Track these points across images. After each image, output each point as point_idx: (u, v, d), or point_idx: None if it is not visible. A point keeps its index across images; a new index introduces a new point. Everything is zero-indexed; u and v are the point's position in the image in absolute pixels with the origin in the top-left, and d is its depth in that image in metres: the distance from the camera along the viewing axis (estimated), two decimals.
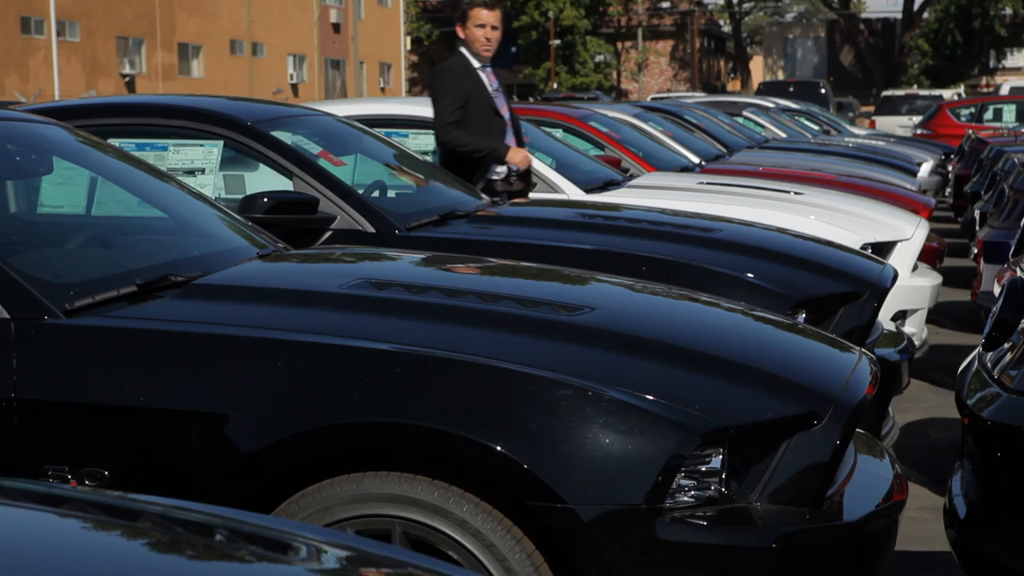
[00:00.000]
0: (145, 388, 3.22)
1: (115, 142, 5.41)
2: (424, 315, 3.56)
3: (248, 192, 5.76)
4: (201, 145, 5.77)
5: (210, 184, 5.77)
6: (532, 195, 7.37)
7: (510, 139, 7.09)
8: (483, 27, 7.00)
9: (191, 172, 5.75)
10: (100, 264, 4.04)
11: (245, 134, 5.66)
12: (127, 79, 42.33)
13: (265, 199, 5.16)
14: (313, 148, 6.00)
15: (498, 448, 3.01)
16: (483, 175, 6.98)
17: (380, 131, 7.20)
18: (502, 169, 6.99)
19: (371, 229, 5.45)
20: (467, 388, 3.11)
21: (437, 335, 3.38)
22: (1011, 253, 4.33)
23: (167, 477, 3.16)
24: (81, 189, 4.75)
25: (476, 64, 7.10)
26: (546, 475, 2.99)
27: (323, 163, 5.80)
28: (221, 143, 5.75)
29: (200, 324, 3.40)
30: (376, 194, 6.22)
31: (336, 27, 54.31)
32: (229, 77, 46.87)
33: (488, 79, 7.09)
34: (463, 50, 7.08)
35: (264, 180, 5.91)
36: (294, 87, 51.28)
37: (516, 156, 7.00)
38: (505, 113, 7.10)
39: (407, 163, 6.57)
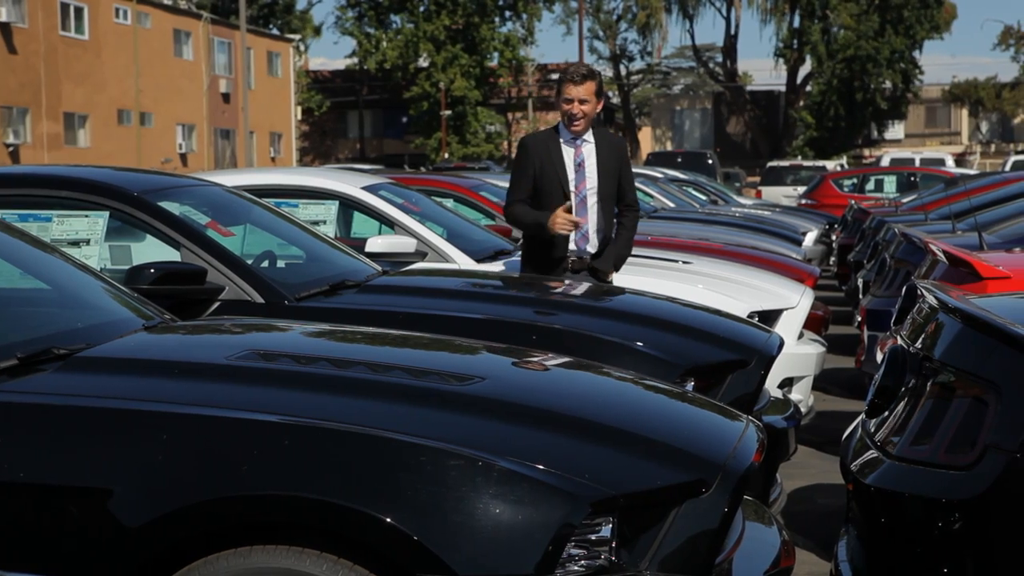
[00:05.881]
0: (26, 463, 3.16)
1: None
2: (313, 386, 3.54)
3: (134, 263, 5.69)
4: (86, 216, 5.70)
5: (95, 255, 5.70)
6: (422, 265, 7.37)
7: (583, 215, 6.80)
8: (570, 102, 6.74)
9: (76, 243, 5.68)
10: None
11: (131, 204, 5.61)
12: (11, 149, 41.67)
13: (152, 270, 5.10)
14: (201, 218, 5.95)
15: (387, 520, 2.99)
16: (561, 253, 6.79)
17: (270, 201, 7.16)
18: (573, 247, 6.82)
19: (260, 300, 5.41)
20: (356, 459, 3.09)
21: (326, 406, 3.36)
22: (893, 321, 4.41)
23: (47, 554, 3.09)
24: None
25: (565, 137, 6.87)
26: (436, 546, 2.98)
27: (211, 233, 5.75)
28: (107, 214, 5.68)
29: (83, 397, 3.35)
30: (265, 264, 6.18)
31: (226, 97, 54.06)
32: (116, 147, 46.32)
33: (574, 153, 6.83)
34: (560, 123, 6.92)
35: (151, 251, 5.85)
36: (183, 157, 50.82)
37: (554, 225, 6.64)
38: (582, 189, 6.79)
39: (297, 233, 6.54)
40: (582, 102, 6.76)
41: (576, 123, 6.79)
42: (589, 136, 6.90)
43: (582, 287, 6.36)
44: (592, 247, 6.88)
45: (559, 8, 68.67)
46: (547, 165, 6.78)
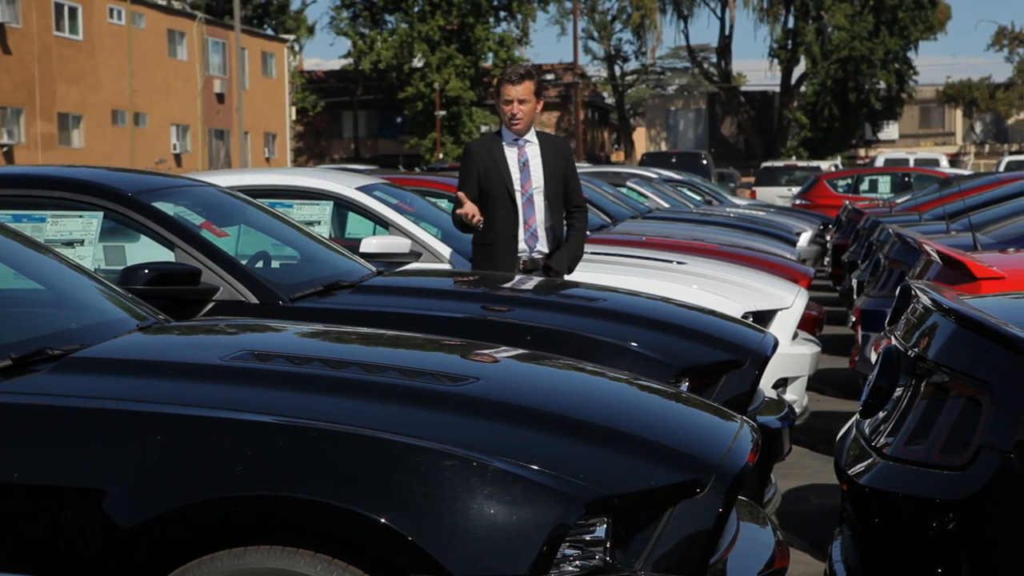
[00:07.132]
0: (20, 464, 3.16)
1: None
2: (307, 387, 3.54)
3: (129, 263, 5.69)
4: (80, 216, 5.69)
5: (89, 256, 5.69)
6: (416, 265, 7.37)
7: (531, 215, 6.93)
8: (510, 103, 6.88)
9: (70, 244, 5.67)
10: None
11: (125, 205, 5.60)
12: (5, 149, 41.63)
13: (146, 270, 5.09)
14: (195, 219, 5.95)
15: (382, 520, 2.99)
16: (511, 253, 6.86)
17: (264, 202, 7.16)
18: (524, 248, 6.92)
19: (254, 300, 5.40)
20: (351, 460, 3.09)
21: (320, 407, 3.36)
22: (887, 321, 4.42)
23: (42, 554, 3.09)
24: None
25: (509, 139, 6.98)
26: (431, 547, 2.98)
27: (205, 234, 5.75)
28: (101, 214, 5.68)
29: (77, 398, 3.35)
30: (260, 265, 6.18)
31: (220, 97, 54.00)
32: (110, 147, 46.26)
33: (518, 153, 6.95)
34: (502, 126, 7.01)
35: (145, 251, 5.85)
36: (177, 157, 50.76)
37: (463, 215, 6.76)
38: (528, 189, 6.90)
39: (291, 234, 6.54)
40: (521, 102, 6.91)
41: (516, 122, 6.92)
42: (532, 137, 7.04)
43: (576, 288, 6.36)
44: (543, 246, 6.96)
45: (554, 9, 68.54)
46: (491, 167, 6.90)
